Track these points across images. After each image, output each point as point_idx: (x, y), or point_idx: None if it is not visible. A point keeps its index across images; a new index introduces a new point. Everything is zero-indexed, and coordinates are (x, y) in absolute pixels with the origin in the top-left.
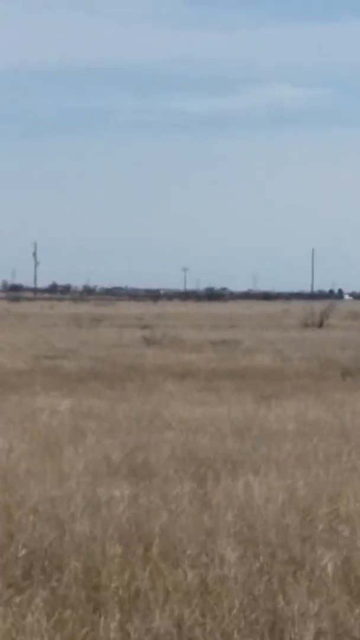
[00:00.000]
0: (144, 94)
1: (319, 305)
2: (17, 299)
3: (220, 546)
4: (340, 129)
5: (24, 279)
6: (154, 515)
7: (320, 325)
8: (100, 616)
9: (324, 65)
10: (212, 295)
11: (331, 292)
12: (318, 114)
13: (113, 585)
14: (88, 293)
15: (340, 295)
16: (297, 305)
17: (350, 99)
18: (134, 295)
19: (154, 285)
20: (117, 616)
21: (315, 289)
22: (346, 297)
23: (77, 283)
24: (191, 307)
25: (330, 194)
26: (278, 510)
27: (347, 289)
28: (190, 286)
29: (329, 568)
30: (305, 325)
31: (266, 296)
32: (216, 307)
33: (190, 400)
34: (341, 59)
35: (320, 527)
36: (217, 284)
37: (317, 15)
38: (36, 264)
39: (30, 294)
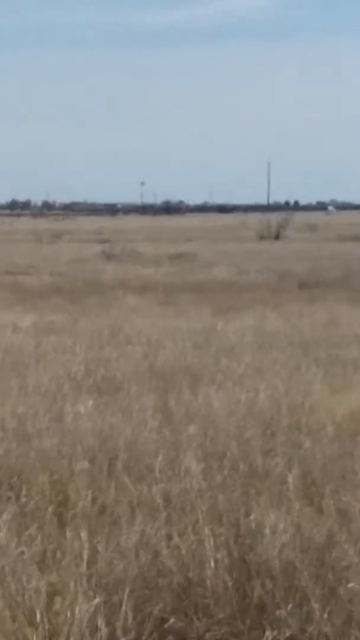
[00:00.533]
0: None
1: (275, 218)
2: None
3: (183, 459)
4: (295, 39)
5: None
6: (118, 430)
7: (277, 237)
8: (67, 532)
9: None
10: (169, 209)
11: (287, 203)
12: (275, 24)
13: (79, 500)
14: (47, 209)
15: (296, 206)
16: (253, 218)
17: (300, 8)
18: (93, 210)
19: (111, 199)
20: (85, 532)
21: (271, 201)
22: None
23: (37, 199)
24: (148, 220)
25: (285, 105)
26: (239, 422)
27: (302, 201)
28: (148, 200)
29: (290, 480)
30: (262, 238)
31: (222, 209)
32: (173, 221)
33: (150, 314)
34: None
35: (281, 439)
36: (174, 198)
37: None
38: None
39: None
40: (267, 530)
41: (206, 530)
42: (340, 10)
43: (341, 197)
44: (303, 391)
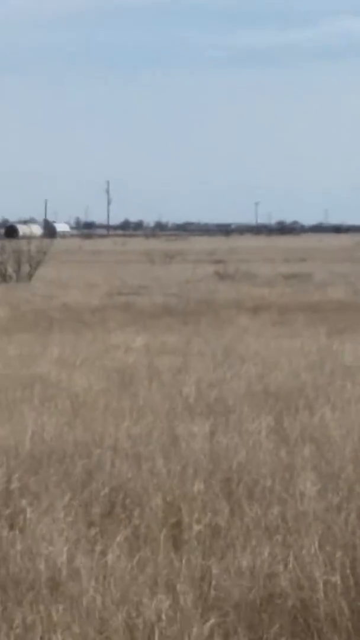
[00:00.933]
0: (216, 31)
1: None
2: (90, 236)
3: (299, 482)
4: None
5: (97, 217)
6: (232, 451)
7: None
8: (181, 554)
9: None
10: (284, 229)
11: None
12: None
13: (194, 522)
14: (160, 229)
15: None
16: None
17: None
18: (206, 230)
19: (225, 220)
20: (199, 554)
21: None
22: None
23: (149, 219)
24: (263, 241)
25: None
26: (355, 444)
27: None
28: (262, 220)
29: None
30: None
31: (337, 229)
32: (288, 241)
33: (264, 335)
34: None
35: None
36: (288, 218)
37: None
38: (109, 201)
39: (103, 231)
40: None
41: (321, 553)
42: None
43: None
44: None
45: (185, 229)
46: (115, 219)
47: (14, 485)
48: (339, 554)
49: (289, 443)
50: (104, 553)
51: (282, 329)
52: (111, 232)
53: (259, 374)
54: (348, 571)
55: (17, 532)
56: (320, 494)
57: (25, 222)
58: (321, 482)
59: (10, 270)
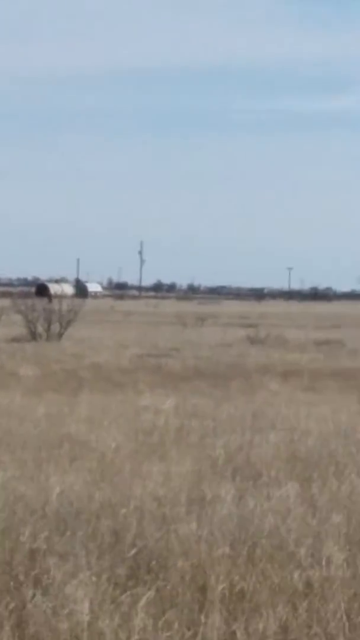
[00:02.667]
0: (254, 94)
1: None
2: (122, 297)
3: (327, 548)
4: None
5: (130, 277)
6: (260, 516)
7: None
8: (206, 617)
9: None
10: (316, 295)
11: None
12: None
13: (219, 585)
14: (192, 292)
15: None
16: None
17: None
18: (238, 294)
19: (258, 284)
20: (223, 617)
21: None
22: None
23: (182, 282)
24: (295, 306)
25: None
26: None
27: None
28: (295, 285)
29: None
30: None
31: None
32: (320, 307)
33: (294, 400)
34: None
35: None
36: (322, 284)
37: None
38: (142, 262)
39: (135, 292)
40: None
41: (346, 620)
42: None
43: None
44: None
45: (218, 293)
46: (148, 280)
47: (40, 545)
48: None
49: (316, 509)
50: (128, 614)
51: (313, 395)
52: (143, 293)
53: (288, 439)
54: None
55: (41, 591)
56: (348, 561)
57: (56, 281)
58: (350, 550)
59: (40, 328)
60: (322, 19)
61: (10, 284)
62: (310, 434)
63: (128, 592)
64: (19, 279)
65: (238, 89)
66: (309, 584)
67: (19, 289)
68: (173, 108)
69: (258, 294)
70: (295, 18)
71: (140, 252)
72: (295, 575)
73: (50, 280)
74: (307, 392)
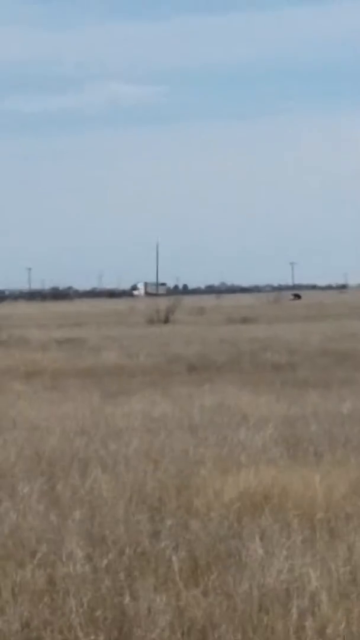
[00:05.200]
0: None
1: (163, 302)
2: None
3: (68, 544)
4: (180, 124)
5: None
6: (2, 515)
7: (166, 321)
8: None
9: (158, 63)
10: (58, 295)
11: (176, 287)
12: (157, 110)
13: None
14: None
15: (185, 290)
16: (142, 302)
17: (186, 95)
18: None
19: None
20: None
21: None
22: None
23: None
24: (36, 306)
25: (171, 188)
26: (127, 506)
27: (191, 284)
28: (35, 286)
29: (174, 562)
30: (151, 322)
31: (112, 294)
32: (62, 306)
33: (37, 400)
34: (175, 57)
35: (169, 522)
36: (62, 283)
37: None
38: None
39: None
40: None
41: (88, 614)
42: (224, 95)
43: (230, 280)
44: (191, 473)
45: None
46: None
47: None
48: (106, 614)
49: (60, 506)
50: None
51: (55, 393)
52: None
53: (31, 438)
54: (115, 632)
55: None
56: (89, 557)
57: None
58: (91, 545)
59: None
60: (49, 18)
61: None
62: (54, 432)
63: None
64: None
65: None
66: (50, 581)
67: None
68: None
69: None
70: (24, 17)
71: None
72: (36, 572)
73: None
74: (50, 391)
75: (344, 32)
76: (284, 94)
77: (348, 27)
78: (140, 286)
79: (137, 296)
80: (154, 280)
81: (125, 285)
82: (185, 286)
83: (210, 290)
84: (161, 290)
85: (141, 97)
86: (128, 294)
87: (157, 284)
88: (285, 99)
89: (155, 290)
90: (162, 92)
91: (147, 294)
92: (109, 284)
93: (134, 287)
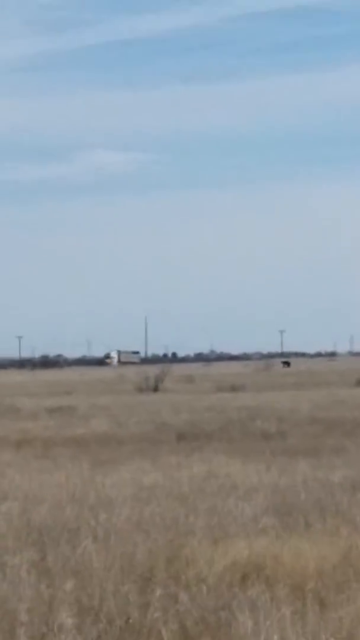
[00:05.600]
0: None
1: (153, 370)
2: None
3: (58, 615)
4: (166, 192)
5: None
6: None
7: (155, 389)
8: None
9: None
10: (47, 363)
11: (165, 355)
12: (142, 177)
13: None
14: None
15: (174, 358)
16: (132, 370)
17: (175, 163)
18: None
19: None
20: None
21: (150, 353)
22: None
23: None
24: (26, 375)
25: (160, 259)
26: (117, 577)
27: (180, 352)
28: (25, 354)
29: (164, 633)
30: (140, 390)
31: (101, 362)
32: (51, 374)
33: (27, 469)
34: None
35: (159, 592)
36: (52, 351)
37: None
38: None
39: None
40: None
41: None
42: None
43: (219, 348)
44: (182, 543)
45: None
46: None
47: None
48: None
49: (50, 576)
50: None
51: (46, 462)
52: None
53: (22, 508)
54: None
55: None
56: (78, 627)
57: None
58: (81, 616)
59: None
60: (39, 89)
61: None
62: (45, 501)
63: None
64: None
65: None
66: None
67: None
68: None
69: None
70: (14, 88)
71: None
72: None
73: None
74: (40, 460)
75: (345, 99)
76: (265, 162)
77: (349, 94)
78: (114, 354)
79: (109, 364)
80: (127, 348)
81: (100, 353)
82: (174, 354)
83: (200, 358)
84: (134, 358)
85: (127, 165)
86: (101, 362)
87: (131, 352)
88: (266, 166)
89: (128, 359)
90: (150, 160)
91: (120, 362)
92: (98, 352)
93: (107, 356)
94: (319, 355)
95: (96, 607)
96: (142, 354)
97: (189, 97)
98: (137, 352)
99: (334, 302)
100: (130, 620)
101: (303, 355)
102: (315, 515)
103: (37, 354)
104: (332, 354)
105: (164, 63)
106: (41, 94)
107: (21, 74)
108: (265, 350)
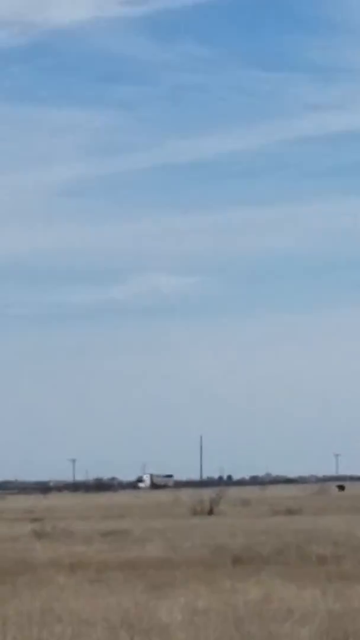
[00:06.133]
0: (30, 287)
1: (208, 493)
2: None
3: None
4: (222, 316)
5: None
6: None
7: (210, 512)
8: None
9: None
10: (101, 486)
11: (220, 478)
12: (200, 302)
13: None
14: None
15: (229, 481)
16: (186, 493)
17: (228, 287)
18: (24, 488)
19: (42, 477)
20: None
21: (205, 476)
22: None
23: None
24: (80, 498)
25: (215, 380)
26: None
27: (235, 475)
28: (79, 477)
29: None
30: (195, 513)
31: (134, 485)
32: (105, 497)
33: (82, 593)
34: (222, 247)
35: None
36: (106, 474)
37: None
38: None
39: None
40: None
41: None
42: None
43: (275, 471)
44: None
45: (3, 488)
46: None
47: None
48: None
49: None
50: None
51: (99, 586)
52: None
53: (75, 632)
54: None
55: None
56: None
57: None
58: None
59: None
60: (94, 212)
61: None
62: (98, 625)
63: None
64: None
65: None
66: None
67: None
68: None
69: (43, 487)
70: (70, 211)
71: None
72: None
73: None
74: (94, 583)
75: None
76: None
77: None
78: (146, 478)
79: (142, 488)
80: (181, 472)
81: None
82: (229, 477)
83: (255, 481)
84: (168, 481)
85: (184, 288)
86: (133, 485)
87: (164, 476)
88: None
89: (161, 482)
90: (206, 283)
91: (153, 485)
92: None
93: (140, 479)
94: None
95: None
96: (197, 477)
97: (243, 220)
98: (170, 476)
99: None
100: None
101: (358, 479)
102: None
103: (91, 476)
104: None
105: (219, 185)
106: (99, 217)
107: (76, 198)
108: (320, 473)
